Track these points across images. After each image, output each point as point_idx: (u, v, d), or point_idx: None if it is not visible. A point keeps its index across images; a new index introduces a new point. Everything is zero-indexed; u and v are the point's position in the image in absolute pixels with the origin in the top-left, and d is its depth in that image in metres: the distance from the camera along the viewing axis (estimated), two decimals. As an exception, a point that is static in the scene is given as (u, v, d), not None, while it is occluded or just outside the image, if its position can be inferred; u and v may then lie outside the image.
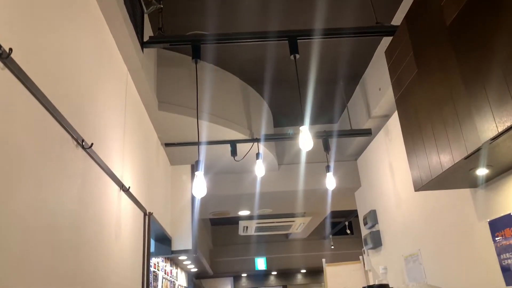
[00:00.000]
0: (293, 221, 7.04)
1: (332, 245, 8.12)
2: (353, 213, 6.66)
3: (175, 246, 3.99)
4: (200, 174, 2.31)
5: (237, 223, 7.49)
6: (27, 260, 1.23)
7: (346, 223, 7.53)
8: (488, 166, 2.03)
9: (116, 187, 2.20)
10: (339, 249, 8.16)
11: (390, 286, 2.79)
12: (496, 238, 2.24)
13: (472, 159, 1.91)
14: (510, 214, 2.11)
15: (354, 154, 4.47)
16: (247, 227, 7.45)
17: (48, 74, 1.45)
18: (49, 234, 1.39)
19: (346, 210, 6.70)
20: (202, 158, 2.29)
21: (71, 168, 1.60)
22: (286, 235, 8.97)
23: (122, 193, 2.32)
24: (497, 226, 2.23)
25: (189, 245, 4.01)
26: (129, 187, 2.38)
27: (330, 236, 8.34)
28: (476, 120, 1.79)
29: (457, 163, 1.96)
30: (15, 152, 1.20)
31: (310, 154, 4.51)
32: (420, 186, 2.30)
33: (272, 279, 9.90)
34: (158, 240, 3.92)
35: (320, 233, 8.70)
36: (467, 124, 1.86)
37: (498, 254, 2.23)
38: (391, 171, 3.61)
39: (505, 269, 2.18)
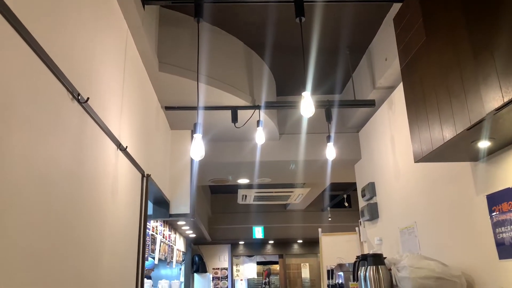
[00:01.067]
0: (292, 191, 7.08)
1: (329, 217, 8.20)
2: (352, 187, 6.68)
3: (173, 210, 4.02)
4: (198, 137, 2.29)
5: (236, 192, 7.55)
6: (17, 212, 1.22)
7: (344, 196, 7.58)
8: (491, 138, 1.99)
9: (113, 146, 2.18)
10: (336, 221, 8.24)
11: (384, 256, 2.81)
12: (493, 212, 2.23)
13: (474, 130, 1.87)
14: (509, 188, 2.09)
15: (356, 126, 4.43)
16: (246, 196, 7.51)
17: (42, 23, 1.40)
18: (41, 187, 1.38)
19: (344, 183, 6.71)
20: (201, 120, 2.25)
21: (65, 121, 1.58)
22: (284, 206, 9.06)
23: (120, 152, 2.30)
24: (495, 200, 2.22)
25: (187, 210, 4.04)
26: (126, 147, 2.36)
27: (328, 208, 8.41)
28: (482, 89, 1.74)
29: (459, 134, 1.93)
30: (6, 99, 1.17)
31: (311, 124, 4.47)
32: (421, 157, 2.28)
33: (269, 248, 10.08)
34: (156, 203, 3.94)
35: (318, 205, 8.77)
36: (473, 94, 1.81)
37: (494, 228, 2.22)
38: (392, 144, 3.58)
39: (499, 243, 2.19)
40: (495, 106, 1.65)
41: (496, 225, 2.21)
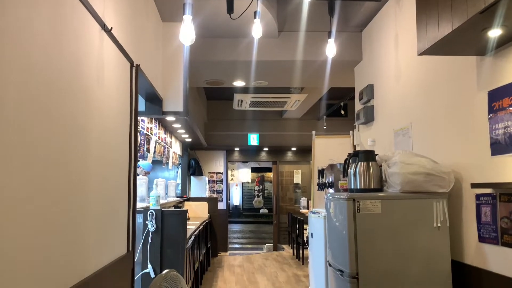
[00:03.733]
0: (289, 97, 7.00)
1: (324, 126, 8.23)
2: (349, 94, 6.58)
3: (166, 107, 3.95)
4: (187, 19, 2.12)
5: (232, 99, 7.45)
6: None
7: (341, 104, 7.51)
8: (503, 26, 1.84)
9: (96, 26, 2.02)
10: (331, 130, 8.28)
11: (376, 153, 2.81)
12: (492, 109, 2.17)
13: (488, 14, 1.72)
14: (514, 81, 2.00)
15: (360, 25, 4.18)
16: (241, 101, 7.43)
17: None
18: (15, 61, 1.25)
19: (342, 90, 6.61)
20: (191, 0, 2.05)
21: (36, -14, 1.40)
22: (280, 114, 9.05)
23: (104, 34, 2.14)
24: (497, 95, 2.14)
25: (180, 108, 3.98)
26: (111, 28, 2.19)
27: (324, 117, 8.40)
28: (504, -36, 1.56)
29: (471, 19, 1.78)
30: None
31: (312, 22, 4.21)
32: (425, 48, 2.14)
33: (263, 155, 10.30)
34: (148, 100, 3.86)
35: (314, 114, 8.76)
36: (492, -29, 1.63)
37: (490, 125, 2.18)
38: (396, 42, 3.40)
39: (493, 140, 2.16)
40: (516, -18, 1.49)
41: (493, 121, 2.16)
